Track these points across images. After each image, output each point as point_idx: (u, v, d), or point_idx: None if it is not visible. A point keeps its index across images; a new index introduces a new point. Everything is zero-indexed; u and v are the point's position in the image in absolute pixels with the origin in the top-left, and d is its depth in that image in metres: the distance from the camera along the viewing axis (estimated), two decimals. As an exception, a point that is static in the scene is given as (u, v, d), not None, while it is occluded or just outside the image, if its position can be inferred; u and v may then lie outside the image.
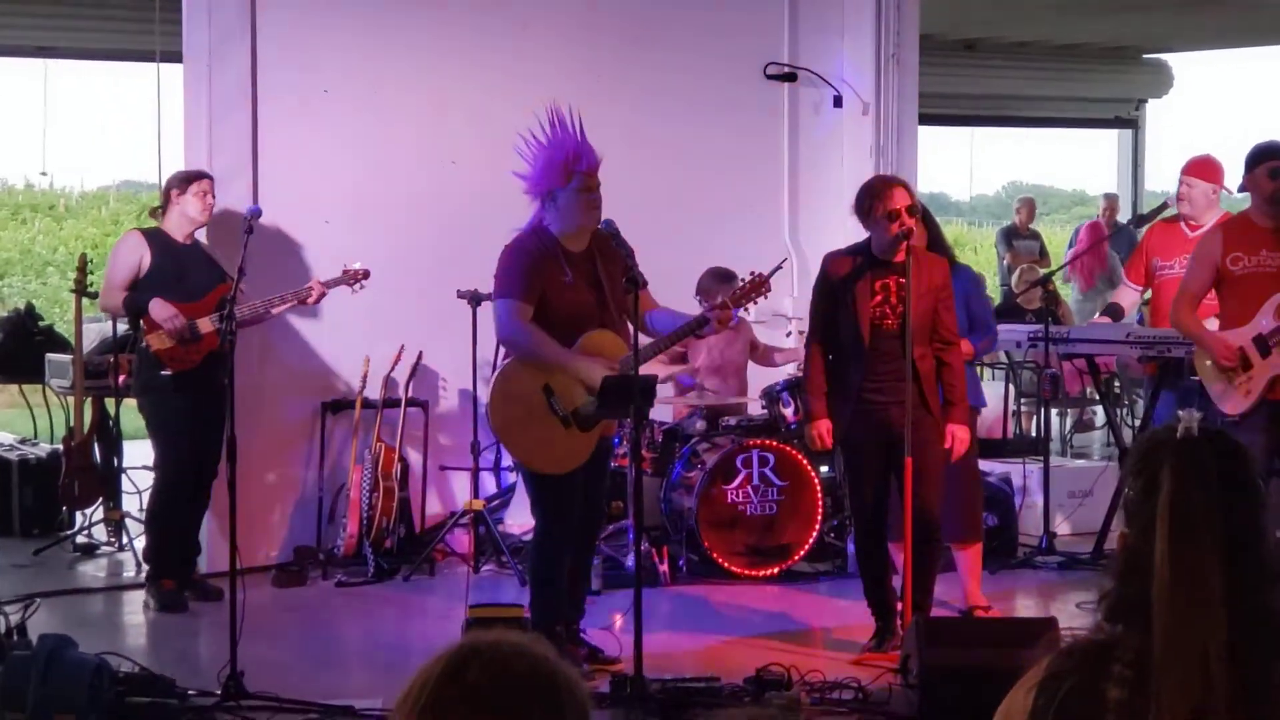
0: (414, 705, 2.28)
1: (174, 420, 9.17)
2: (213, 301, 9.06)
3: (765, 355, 10.83)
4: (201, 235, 9.44)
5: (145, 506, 9.63)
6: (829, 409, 8.04)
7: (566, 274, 7.57)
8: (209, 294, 9.11)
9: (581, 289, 7.61)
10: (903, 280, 7.78)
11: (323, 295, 9.53)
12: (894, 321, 7.87)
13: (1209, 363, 8.29)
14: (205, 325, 9.04)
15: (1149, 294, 10.19)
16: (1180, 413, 2.84)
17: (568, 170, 7.58)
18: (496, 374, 7.73)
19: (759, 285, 7.88)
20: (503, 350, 8.05)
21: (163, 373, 9.09)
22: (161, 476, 9.36)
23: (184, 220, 9.24)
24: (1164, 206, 10.52)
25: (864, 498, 8.07)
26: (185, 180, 9.27)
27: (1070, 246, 19.47)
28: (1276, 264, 8.12)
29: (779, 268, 8.10)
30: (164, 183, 9.45)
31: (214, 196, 9.30)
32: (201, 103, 10.02)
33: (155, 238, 9.26)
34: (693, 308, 8.87)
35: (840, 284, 7.98)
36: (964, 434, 8.01)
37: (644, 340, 7.56)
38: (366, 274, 9.67)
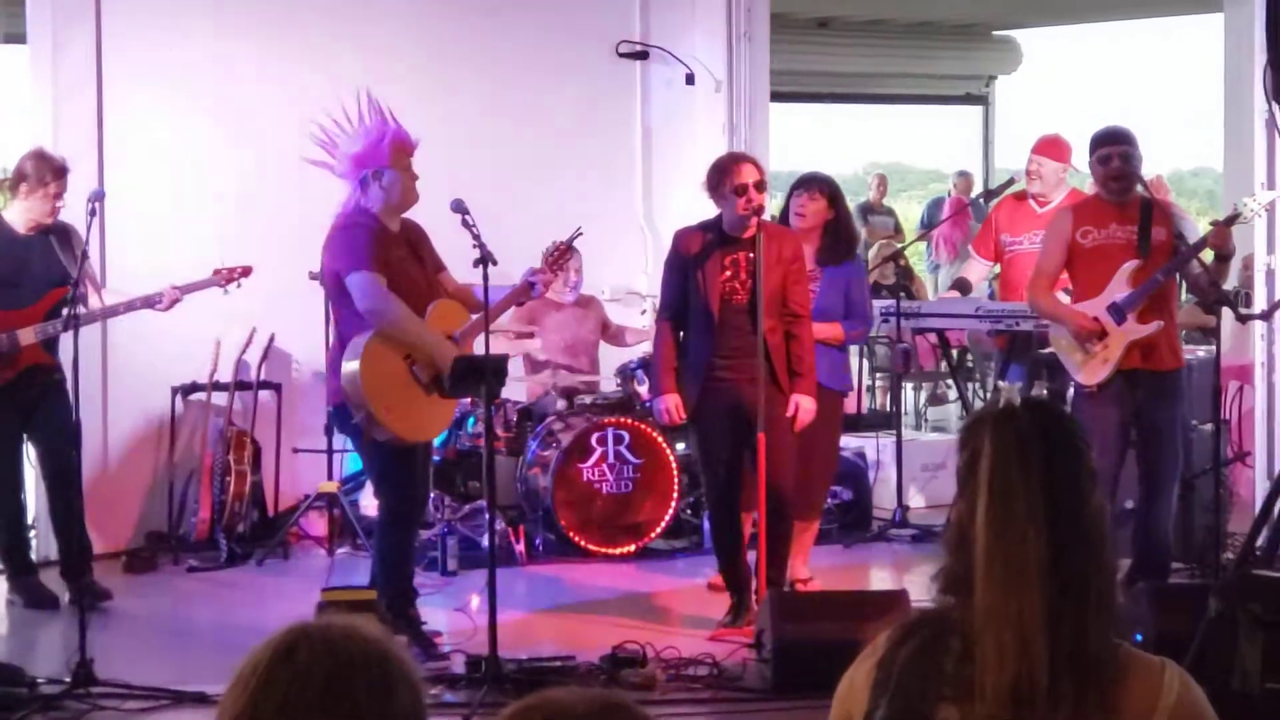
0: (244, 688, 2.27)
1: None
2: (46, 307, 8.54)
3: (617, 335, 10.82)
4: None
5: None
6: (679, 384, 8.07)
7: (396, 251, 7.62)
8: (43, 298, 8.57)
9: (410, 266, 7.65)
10: (752, 255, 7.83)
11: (176, 302, 8.75)
12: (743, 296, 7.92)
13: (1065, 341, 8.39)
14: (27, 336, 8.47)
15: (998, 268, 10.32)
16: (1001, 384, 2.87)
17: (396, 151, 7.62)
18: (360, 349, 7.51)
19: (564, 252, 8.14)
20: (333, 328, 7.92)
21: None
22: None
23: (27, 216, 8.68)
24: (1011, 182, 10.64)
25: (716, 474, 8.10)
26: (39, 180, 8.59)
27: (921, 223, 19.66)
28: (1125, 236, 8.25)
29: (577, 233, 8.23)
30: (17, 165, 8.75)
31: (64, 196, 8.66)
32: (45, 85, 9.88)
33: None
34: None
35: (691, 260, 8.02)
36: (808, 404, 8.03)
37: (474, 316, 7.61)
38: (246, 272, 8.94)
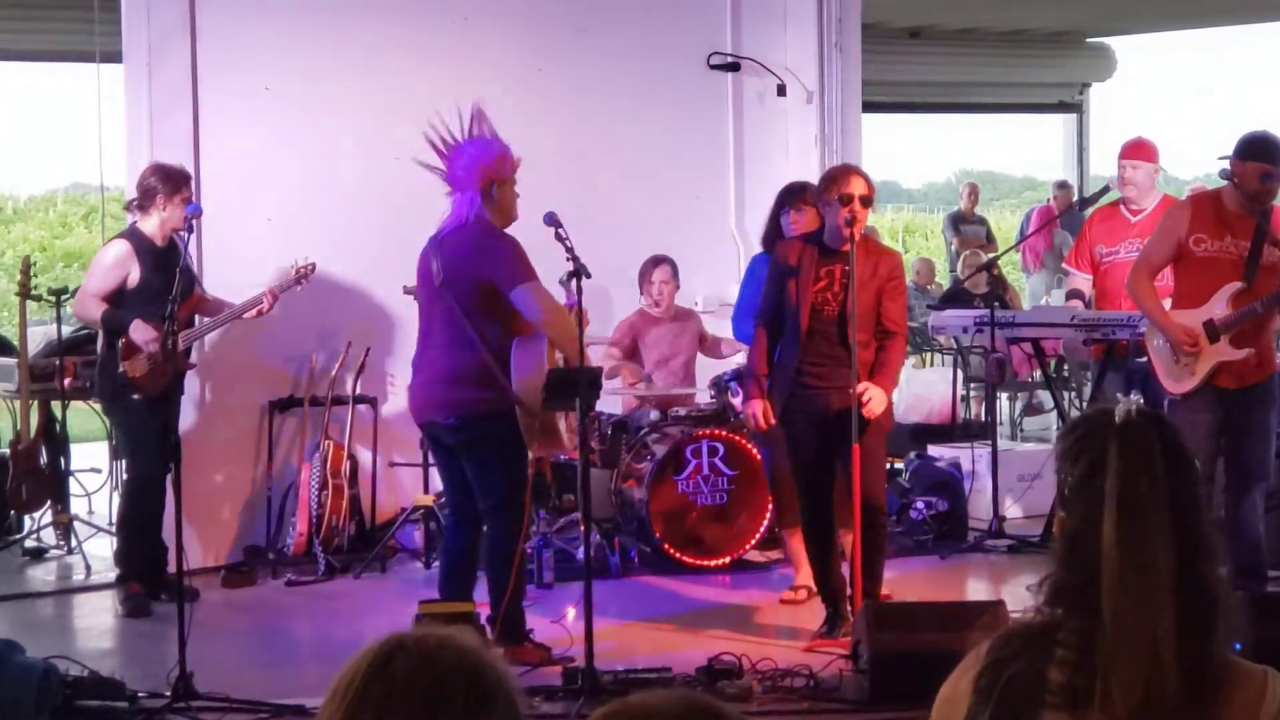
0: (341, 700, 2.28)
1: (147, 429, 8.95)
2: (185, 316, 8.87)
3: (713, 347, 10.78)
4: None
5: (118, 509, 9.46)
6: (768, 391, 8.06)
7: None
8: (181, 309, 8.69)
9: None
10: (848, 268, 7.81)
11: (275, 301, 9.33)
12: (834, 308, 7.90)
13: (1159, 341, 8.31)
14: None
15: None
16: (1120, 396, 2.84)
17: (511, 165, 7.69)
18: (540, 361, 7.55)
19: None
20: (450, 337, 7.82)
21: (134, 396, 8.89)
22: (135, 482, 9.19)
23: (165, 227, 9.00)
24: (1106, 189, 10.55)
25: (804, 481, 8.08)
26: (175, 186, 8.99)
27: (1020, 233, 19.55)
28: (1238, 251, 8.11)
29: None
30: (142, 183, 9.09)
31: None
32: (142, 102, 9.97)
33: (141, 247, 9.00)
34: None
35: (788, 269, 8.02)
36: (877, 393, 7.86)
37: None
38: (313, 268, 9.64)
